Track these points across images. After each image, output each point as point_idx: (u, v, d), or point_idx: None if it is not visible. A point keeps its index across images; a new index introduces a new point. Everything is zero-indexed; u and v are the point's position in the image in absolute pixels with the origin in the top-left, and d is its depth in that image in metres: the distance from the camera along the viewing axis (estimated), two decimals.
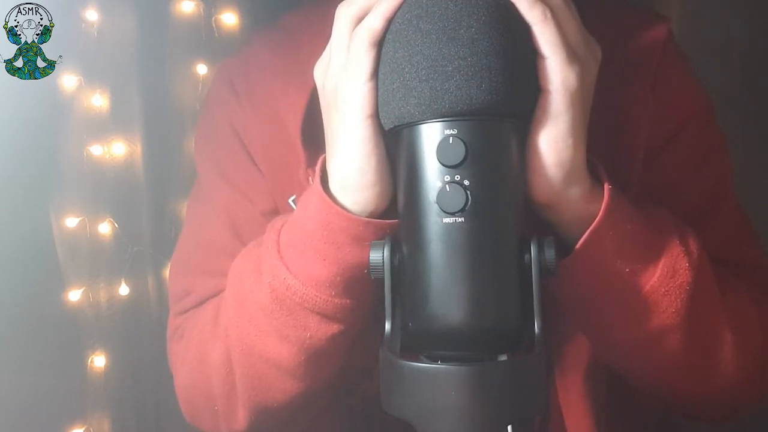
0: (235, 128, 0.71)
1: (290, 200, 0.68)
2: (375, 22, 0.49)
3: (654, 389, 0.64)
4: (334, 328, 0.57)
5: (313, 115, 0.63)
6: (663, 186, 0.66)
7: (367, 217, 0.52)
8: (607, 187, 0.52)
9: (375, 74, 0.49)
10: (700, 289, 0.55)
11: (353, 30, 0.51)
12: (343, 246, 0.53)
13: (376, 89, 0.49)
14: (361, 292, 0.56)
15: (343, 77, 0.50)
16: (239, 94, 0.71)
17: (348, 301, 0.55)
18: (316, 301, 0.55)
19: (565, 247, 0.52)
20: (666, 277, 0.54)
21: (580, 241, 0.51)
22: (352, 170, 0.51)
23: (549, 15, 0.48)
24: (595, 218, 0.51)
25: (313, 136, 0.64)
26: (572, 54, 0.49)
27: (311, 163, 0.62)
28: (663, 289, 0.54)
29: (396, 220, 0.51)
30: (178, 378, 0.71)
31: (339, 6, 0.52)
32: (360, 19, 0.50)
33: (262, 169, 0.70)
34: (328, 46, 0.54)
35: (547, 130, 0.48)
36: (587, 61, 0.50)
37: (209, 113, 0.75)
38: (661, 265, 0.54)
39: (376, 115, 0.49)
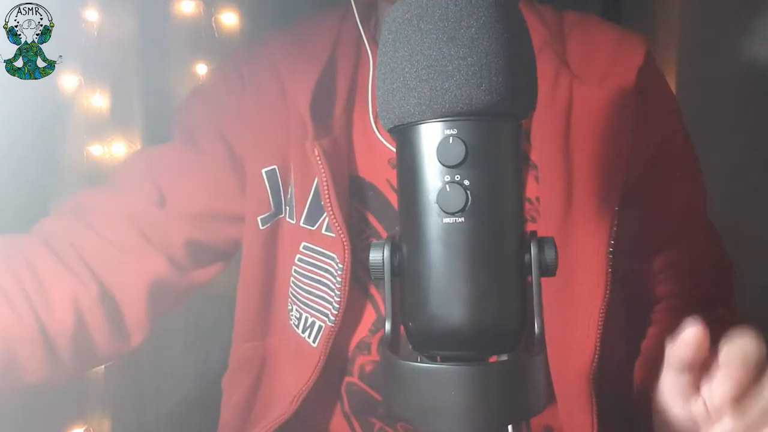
0: (227, 110, 0.77)
1: (264, 170, 0.74)
2: None
3: None
4: None
5: (321, 94, 0.72)
6: (644, 210, 0.73)
7: None
8: None
9: None
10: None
11: None
12: None
13: None
14: None
15: None
16: (243, 77, 0.77)
17: None
18: None
19: None
20: None
21: None
22: None
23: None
24: None
25: (319, 112, 0.71)
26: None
27: (318, 135, 0.69)
28: None
29: None
30: None
31: None
32: None
33: (240, 143, 0.76)
34: None
35: None
36: None
37: (207, 93, 0.80)
38: None
39: None
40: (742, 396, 0.50)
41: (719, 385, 0.50)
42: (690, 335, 0.51)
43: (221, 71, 0.81)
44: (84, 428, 1.02)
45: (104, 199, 0.76)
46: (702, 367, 0.54)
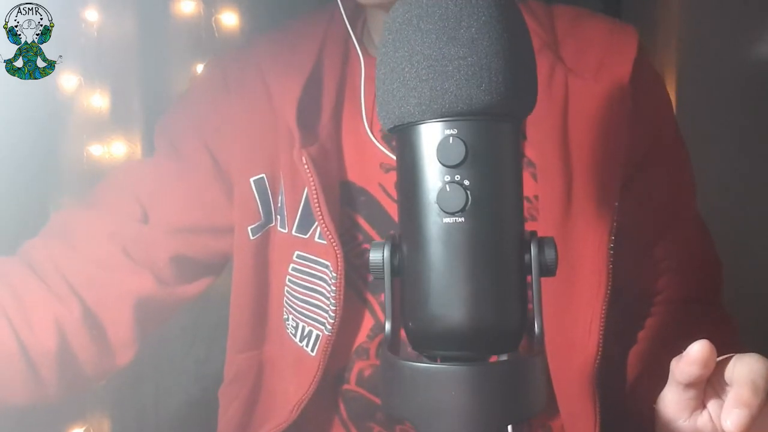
0: (212, 119, 0.75)
1: (252, 179, 0.73)
2: None
3: None
4: None
5: (308, 101, 0.71)
6: (635, 202, 0.72)
7: None
8: None
9: None
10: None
11: None
12: None
13: None
14: None
15: None
16: (228, 84, 0.75)
17: None
18: None
19: None
20: None
21: None
22: None
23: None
24: None
25: (306, 119, 0.69)
26: None
27: (305, 143, 0.68)
28: None
29: None
30: None
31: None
32: None
33: (225, 152, 0.74)
34: None
35: None
36: None
37: (190, 102, 0.79)
38: None
39: None
40: (752, 420, 0.49)
41: (729, 413, 0.49)
42: (696, 352, 0.51)
43: (205, 79, 0.80)
44: (84, 428, 1.02)
45: (85, 217, 0.75)
46: (707, 381, 0.54)
